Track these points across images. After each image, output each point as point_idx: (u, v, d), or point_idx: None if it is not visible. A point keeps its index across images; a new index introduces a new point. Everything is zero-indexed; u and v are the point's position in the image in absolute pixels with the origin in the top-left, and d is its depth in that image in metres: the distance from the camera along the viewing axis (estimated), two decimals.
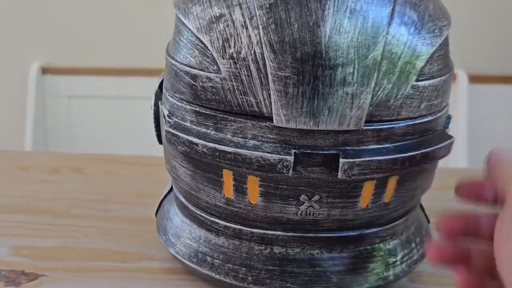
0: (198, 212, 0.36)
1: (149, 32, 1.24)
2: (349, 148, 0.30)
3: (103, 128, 1.22)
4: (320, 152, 0.29)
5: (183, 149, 0.32)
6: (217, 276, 0.35)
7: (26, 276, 0.40)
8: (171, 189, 0.41)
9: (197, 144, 0.31)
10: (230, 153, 0.30)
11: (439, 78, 0.31)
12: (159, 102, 0.36)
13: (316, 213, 0.32)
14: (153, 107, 0.38)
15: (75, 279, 0.39)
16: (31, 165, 0.64)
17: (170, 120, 0.33)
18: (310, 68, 0.28)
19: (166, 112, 0.34)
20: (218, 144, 0.30)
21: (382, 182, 0.32)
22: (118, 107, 1.21)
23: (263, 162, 0.29)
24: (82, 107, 1.22)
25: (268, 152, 0.29)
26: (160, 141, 0.39)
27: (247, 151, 0.29)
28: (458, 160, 1.15)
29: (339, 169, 0.29)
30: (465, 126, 1.17)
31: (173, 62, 0.33)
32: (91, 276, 0.40)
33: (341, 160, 0.29)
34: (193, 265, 0.36)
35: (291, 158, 0.29)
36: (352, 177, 0.29)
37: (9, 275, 0.40)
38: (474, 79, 1.19)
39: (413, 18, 0.30)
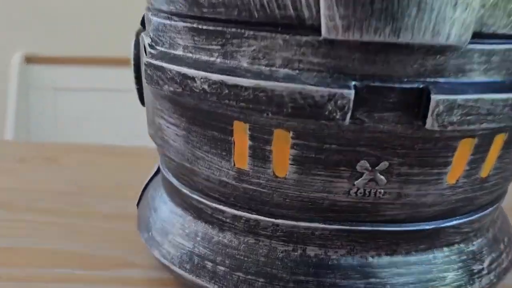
0: (195, 197, 0.25)
1: (139, 20, 1.15)
2: (443, 80, 0.18)
3: (91, 122, 1.11)
4: (397, 85, 0.18)
5: (171, 89, 0.21)
6: None
7: None
8: (158, 170, 0.30)
9: (193, 79, 0.19)
10: (247, 88, 0.18)
11: None
12: (142, 35, 0.25)
13: (380, 192, 0.21)
14: (133, 50, 0.27)
15: None
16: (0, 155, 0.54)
17: (152, 50, 0.22)
18: None
19: (147, 41, 0.23)
20: (228, 75, 0.19)
21: (484, 143, 0.20)
22: (108, 99, 1.10)
23: (301, 102, 0.18)
24: (69, 100, 1.12)
25: (311, 85, 0.18)
26: (142, 101, 0.28)
27: (276, 83, 0.18)
28: None
29: (430, 113, 0.18)
30: None
31: None
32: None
33: (434, 97, 0.18)
34: (186, 274, 0.25)
35: (350, 95, 0.18)
36: (450, 127, 0.18)
37: None
38: None
39: None
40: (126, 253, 0.32)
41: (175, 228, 0.26)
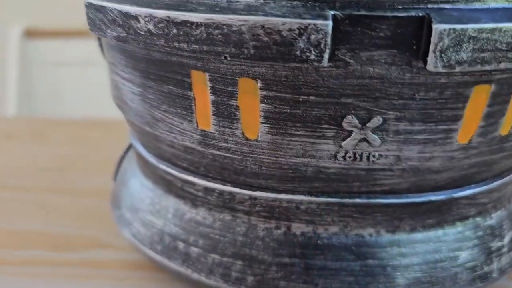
0: (162, 167, 0.21)
1: None
2: (449, 6, 0.14)
3: (95, 97, 1.08)
4: (390, 14, 0.14)
5: (114, 34, 0.17)
6: (195, 275, 0.20)
7: None
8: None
9: (136, 18, 0.16)
10: (199, 25, 0.15)
11: None
12: None
13: (373, 156, 0.17)
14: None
15: None
16: None
17: None
18: None
19: None
20: (176, 10, 0.15)
21: (504, 90, 0.16)
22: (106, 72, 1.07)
23: (266, 39, 0.14)
24: (72, 74, 1.08)
25: (277, 16, 0.14)
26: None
27: (233, 16, 0.14)
28: None
29: (431, 49, 0.14)
30: None
31: None
32: (11, 272, 0.26)
33: (437, 28, 0.14)
34: (157, 256, 0.22)
35: (326, 27, 0.14)
36: (458, 68, 0.14)
37: None
38: None
39: None
40: (102, 233, 0.29)
41: (145, 204, 0.23)
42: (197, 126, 0.18)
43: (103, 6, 0.17)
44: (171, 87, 0.17)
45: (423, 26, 0.14)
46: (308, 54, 0.14)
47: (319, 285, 0.19)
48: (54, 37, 1.07)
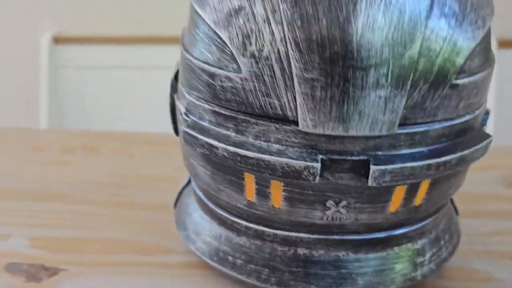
0: (219, 211, 0.35)
1: None
2: (380, 153, 0.28)
3: (117, 100, 1.20)
4: (349, 158, 0.28)
5: (201, 151, 0.30)
6: (240, 276, 0.34)
7: (46, 270, 0.39)
8: (189, 181, 0.40)
9: (217, 148, 0.29)
10: (252, 158, 0.28)
11: (479, 74, 0.29)
12: (175, 95, 0.35)
13: (343, 218, 0.30)
14: (169, 99, 0.36)
15: (96, 275, 0.39)
16: (46, 144, 0.63)
17: (187, 118, 0.31)
18: (339, 70, 0.25)
19: (182, 109, 0.32)
20: (240, 148, 0.28)
21: (413, 187, 0.30)
22: (132, 77, 1.18)
23: (287, 169, 0.28)
24: (96, 78, 1.20)
25: (293, 158, 0.27)
26: (177, 133, 0.37)
27: (271, 157, 0.28)
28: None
29: (370, 176, 0.27)
30: (492, 94, 1.11)
31: (189, 57, 0.31)
32: (111, 271, 0.39)
33: (372, 167, 0.27)
34: (214, 264, 0.35)
35: (317, 165, 0.27)
36: (383, 184, 0.28)
37: (29, 270, 0.39)
38: (504, 44, 1.12)
39: (454, 8, 0.27)
40: (166, 241, 0.42)
41: (205, 231, 0.36)
42: (246, 198, 0.31)
43: (195, 136, 0.30)
44: (232, 177, 0.31)
45: (366, 164, 0.27)
46: (309, 177, 0.27)
47: (313, 284, 0.33)
48: (82, 42, 1.18)
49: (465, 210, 0.42)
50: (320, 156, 0.27)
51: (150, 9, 1.21)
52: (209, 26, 0.29)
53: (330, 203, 0.30)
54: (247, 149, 0.28)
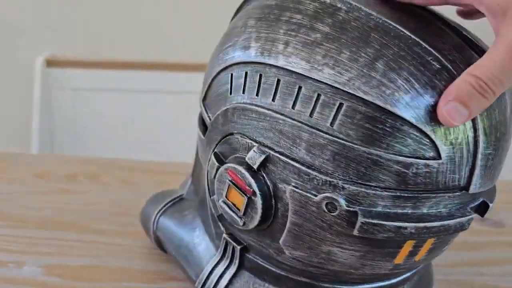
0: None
1: (157, 24, 1.24)
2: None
3: (110, 123, 1.22)
4: (477, 203, 0.35)
5: (385, 235, 0.33)
6: None
7: None
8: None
9: (405, 228, 0.32)
10: (435, 227, 0.33)
11: None
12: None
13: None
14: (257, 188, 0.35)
15: None
16: (46, 171, 0.65)
17: (350, 208, 0.32)
18: (504, 144, 0.33)
19: (343, 203, 0.33)
20: (423, 222, 0.32)
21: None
22: (126, 100, 1.20)
23: (458, 227, 0.33)
24: (88, 101, 1.22)
25: (460, 216, 0.33)
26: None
27: (449, 221, 0.33)
28: None
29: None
30: None
31: (373, 151, 0.32)
32: None
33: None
34: None
35: (473, 215, 0.34)
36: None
37: None
38: None
39: None
40: (170, 269, 0.46)
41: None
42: (393, 263, 0.35)
43: (382, 224, 0.32)
44: (390, 250, 0.34)
45: (486, 206, 0.34)
46: (466, 226, 0.34)
47: None
48: (74, 66, 1.21)
49: None
50: (469, 207, 0.34)
51: (143, 35, 1.24)
52: (409, 123, 0.31)
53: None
54: (430, 221, 0.33)
